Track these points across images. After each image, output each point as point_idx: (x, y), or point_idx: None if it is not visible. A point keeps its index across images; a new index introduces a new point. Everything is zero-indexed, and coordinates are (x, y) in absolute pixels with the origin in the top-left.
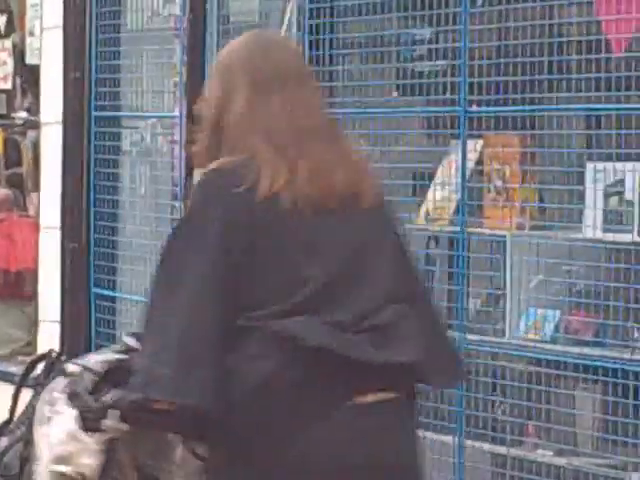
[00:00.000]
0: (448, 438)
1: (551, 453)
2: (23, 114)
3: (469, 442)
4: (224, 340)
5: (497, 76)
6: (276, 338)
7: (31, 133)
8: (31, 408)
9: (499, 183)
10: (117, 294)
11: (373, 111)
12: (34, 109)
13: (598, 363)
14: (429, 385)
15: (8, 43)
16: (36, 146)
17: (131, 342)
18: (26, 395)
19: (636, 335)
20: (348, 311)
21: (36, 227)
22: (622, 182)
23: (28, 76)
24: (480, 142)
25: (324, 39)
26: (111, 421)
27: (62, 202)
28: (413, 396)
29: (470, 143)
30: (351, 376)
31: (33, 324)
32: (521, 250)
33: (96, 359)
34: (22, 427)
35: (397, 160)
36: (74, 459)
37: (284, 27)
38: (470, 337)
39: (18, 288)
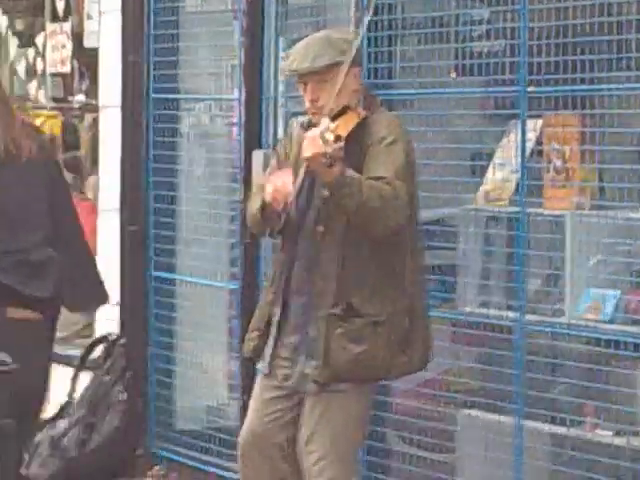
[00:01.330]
0: (508, 419)
1: (610, 433)
2: (81, 97)
3: (528, 423)
4: None
5: (556, 56)
6: None
7: (89, 116)
8: (90, 391)
9: (559, 163)
10: (176, 276)
11: (432, 92)
12: (92, 92)
13: None
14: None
15: (67, 26)
16: (94, 129)
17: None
18: (85, 378)
19: None
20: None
21: (94, 210)
22: None
23: (86, 59)
24: (539, 122)
25: (382, 20)
26: None
27: (121, 185)
28: (53, 318)
29: (529, 123)
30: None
31: None
32: (580, 230)
33: None
34: (81, 410)
35: (456, 141)
36: None
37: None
38: (529, 317)
39: None
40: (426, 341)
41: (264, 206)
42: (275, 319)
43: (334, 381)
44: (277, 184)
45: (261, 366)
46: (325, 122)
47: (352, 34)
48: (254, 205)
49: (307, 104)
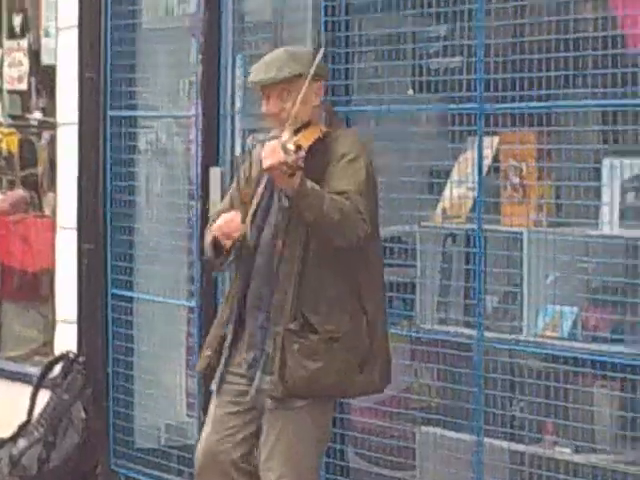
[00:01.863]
0: (467, 436)
1: (569, 450)
2: (38, 115)
3: (488, 440)
4: None
5: (513, 73)
6: None
7: (46, 134)
8: (50, 409)
9: (516, 180)
10: (134, 294)
11: (389, 109)
12: (49, 110)
13: (616, 360)
14: None
15: (24, 43)
16: (52, 147)
17: None
18: (44, 396)
19: None
20: None
21: (52, 228)
22: (638, 178)
23: (43, 77)
24: (496, 139)
25: (340, 37)
26: None
27: (78, 202)
28: None
29: (486, 140)
30: None
31: (50, 325)
32: (538, 247)
33: None
34: (40, 428)
35: (413, 158)
36: None
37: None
38: (487, 335)
39: (35, 289)
40: (384, 362)
41: (215, 242)
42: (229, 336)
43: (290, 397)
44: (221, 223)
45: (213, 385)
46: (286, 135)
47: (314, 51)
48: (207, 240)
49: (268, 118)
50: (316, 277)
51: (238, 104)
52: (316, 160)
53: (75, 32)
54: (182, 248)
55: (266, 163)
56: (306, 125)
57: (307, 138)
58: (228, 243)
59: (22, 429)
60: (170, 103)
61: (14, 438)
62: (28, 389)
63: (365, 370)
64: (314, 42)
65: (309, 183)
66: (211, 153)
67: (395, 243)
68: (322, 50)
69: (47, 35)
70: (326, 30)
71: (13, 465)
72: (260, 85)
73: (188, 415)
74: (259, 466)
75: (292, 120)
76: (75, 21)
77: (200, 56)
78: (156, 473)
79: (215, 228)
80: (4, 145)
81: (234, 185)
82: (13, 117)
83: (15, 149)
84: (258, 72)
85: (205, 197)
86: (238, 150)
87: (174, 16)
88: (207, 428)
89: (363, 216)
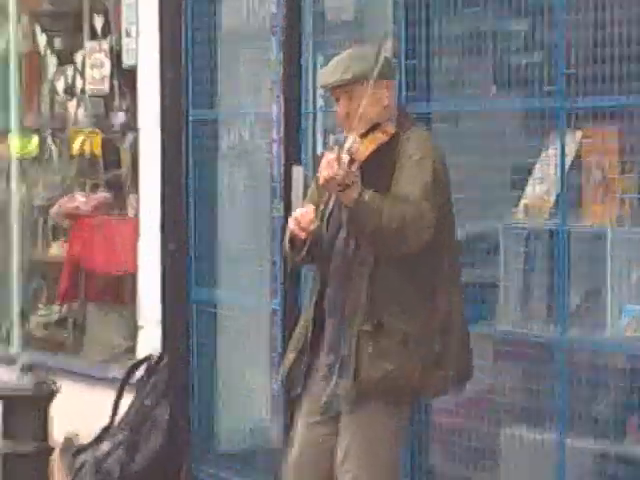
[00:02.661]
0: (550, 436)
1: None
2: (121, 116)
3: (571, 440)
4: None
5: (595, 68)
6: None
7: (129, 135)
8: (133, 412)
9: (599, 176)
10: (217, 295)
11: (471, 106)
12: (132, 111)
13: None
14: None
15: (105, 44)
16: (135, 148)
17: None
18: (128, 399)
19: None
20: None
21: (135, 229)
22: None
23: (125, 78)
24: (579, 135)
25: (420, 34)
26: None
27: (162, 204)
28: None
29: (569, 136)
30: None
31: (134, 328)
32: (621, 244)
33: None
34: (124, 432)
35: (495, 155)
36: None
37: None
38: (571, 333)
39: (119, 291)
40: (463, 359)
41: (291, 238)
42: (308, 340)
43: (365, 398)
44: (297, 215)
45: (296, 387)
46: (350, 140)
47: (389, 55)
48: (286, 236)
49: (339, 120)
50: (388, 278)
51: (319, 103)
52: (384, 162)
53: (156, 33)
54: (265, 248)
55: (321, 178)
56: (375, 127)
57: (369, 145)
58: (302, 234)
59: (105, 433)
60: (252, 102)
61: (97, 442)
62: (112, 392)
63: (440, 370)
64: (395, 40)
65: (368, 195)
66: (293, 152)
67: (478, 241)
68: (384, 48)
69: (128, 36)
70: (407, 27)
71: (96, 469)
72: (329, 88)
73: (272, 419)
74: (336, 468)
75: (356, 124)
76: (156, 22)
77: (281, 55)
78: (239, 477)
79: (290, 220)
80: (87, 147)
81: (313, 185)
82: (96, 118)
83: (98, 151)
84: (325, 75)
85: (287, 196)
86: (320, 149)
87: (255, 16)
88: (298, 434)
89: (427, 220)
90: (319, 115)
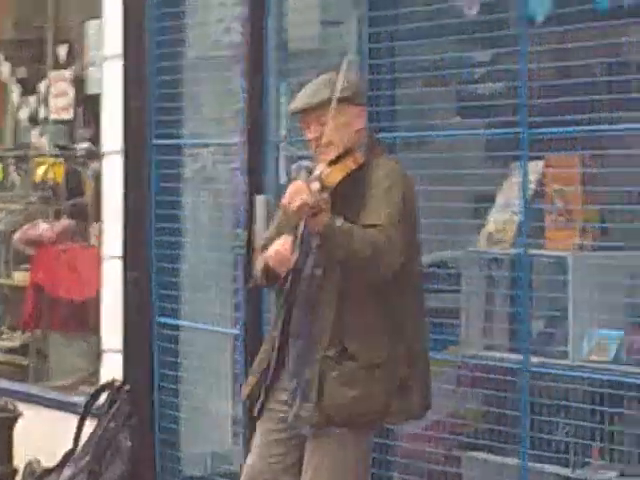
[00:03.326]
0: (512, 460)
1: (616, 474)
2: (84, 144)
3: (534, 464)
4: None
5: (557, 97)
6: None
7: (93, 163)
8: (96, 438)
9: (560, 204)
10: (180, 322)
11: (434, 134)
12: (95, 139)
13: None
14: None
15: (69, 73)
16: (98, 176)
17: None
18: (90, 425)
19: None
20: None
21: (98, 257)
22: None
23: (89, 106)
24: (541, 163)
25: (384, 63)
26: None
27: (124, 232)
28: None
29: (531, 165)
30: None
31: (96, 354)
32: (583, 271)
33: None
34: (86, 457)
35: (458, 183)
36: None
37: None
38: (533, 359)
39: (81, 318)
40: (425, 388)
41: (267, 268)
42: (272, 363)
43: (328, 424)
44: (278, 249)
45: (255, 409)
46: (320, 167)
47: (359, 81)
48: (258, 266)
49: (311, 145)
50: (355, 306)
51: (283, 131)
52: (354, 189)
53: (120, 61)
54: (227, 276)
55: (292, 206)
56: (346, 153)
57: (339, 173)
58: (284, 271)
59: (68, 458)
60: (215, 131)
61: (60, 467)
62: (74, 418)
63: (404, 396)
64: (358, 70)
65: (338, 221)
66: (256, 181)
67: (440, 268)
68: (344, 67)
69: (92, 65)
70: (370, 57)
71: None
72: (298, 114)
73: (234, 443)
74: None
75: (325, 149)
76: (120, 50)
77: (244, 83)
78: None
79: (270, 253)
80: (50, 175)
81: (280, 213)
82: (59, 147)
83: (61, 179)
84: (295, 101)
85: (250, 225)
86: (283, 178)
87: (219, 45)
88: (252, 455)
89: (396, 249)
90: (282, 144)
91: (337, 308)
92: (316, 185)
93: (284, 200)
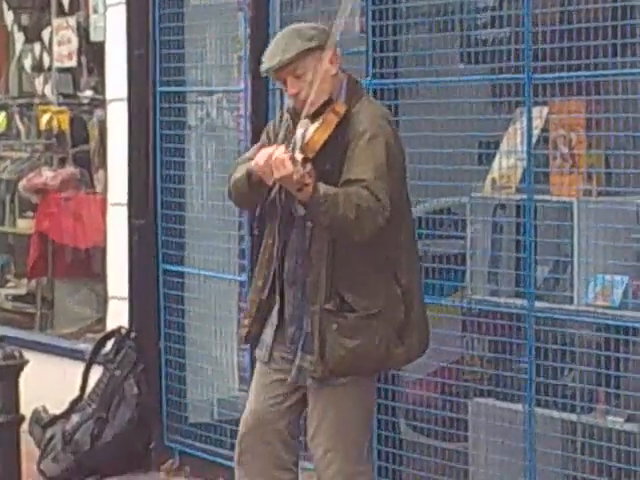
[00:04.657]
0: (518, 406)
1: (622, 419)
2: (89, 92)
3: (539, 410)
4: None
5: (561, 42)
6: None
7: (97, 111)
8: (102, 385)
9: (565, 150)
10: (185, 269)
11: (438, 80)
12: (100, 87)
13: None
14: None
15: (72, 21)
16: (102, 124)
17: None
18: (96, 372)
19: None
20: None
21: (104, 204)
22: None
23: (93, 54)
24: (545, 109)
25: (387, 9)
26: None
27: (129, 179)
28: None
29: (535, 110)
30: None
31: (102, 302)
32: (588, 216)
33: None
34: (93, 404)
35: (462, 129)
36: None
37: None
38: (538, 305)
39: (87, 266)
40: (423, 329)
41: (250, 174)
42: (275, 307)
43: (331, 376)
44: (272, 152)
45: (260, 354)
46: (304, 124)
47: (325, 25)
48: (238, 174)
49: (290, 100)
50: (347, 255)
51: None
52: (336, 141)
53: (123, 9)
54: (232, 222)
55: (275, 176)
56: (327, 103)
57: (323, 132)
58: (269, 181)
59: (74, 405)
60: (219, 78)
61: (67, 414)
62: (80, 366)
63: (402, 341)
64: (362, 14)
65: (322, 189)
66: (260, 128)
67: (445, 214)
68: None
69: (95, 12)
70: (374, 2)
71: (66, 441)
72: (273, 72)
73: (240, 389)
74: (307, 442)
75: (308, 108)
76: None
77: (248, 31)
78: (209, 447)
79: (261, 157)
80: (55, 123)
81: (258, 145)
82: (64, 95)
83: (66, 127)
84: (267, 60)
85: None
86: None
87: None
88: (252, 395)
89: (382, 203)
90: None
91: (330, 258)
92: (299, 157)
93: (260, 159)
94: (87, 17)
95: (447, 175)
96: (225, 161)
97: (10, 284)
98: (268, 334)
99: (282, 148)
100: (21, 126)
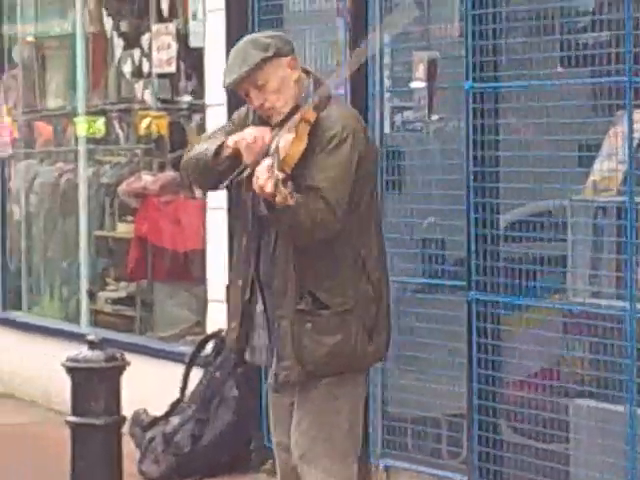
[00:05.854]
0: (619, 407)
1: None
2: (187, 98)
3: None
4: None
5: None
6: None
7: (196, 116)
8: (202, 387)
9: None
10: None
11: (537, 83)
12: (198, 92)
13: None
14: None
15: (172, 27)
16: (201, 129)
17: None
18: (196, 374)
19: None
20: None
21: (203, 208)
22: None
23: (192, 60)
24: None
25: (487, 13)
26: None
27: None
28: None
29: (636, 113)
30: None
31: (202, 304)
32: None
33: None
34: (193, 406)
35: (563, 132)
36: None
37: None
38: (639, 306)
39: (186, 269)
40: (388, 329)
41: (219, 149)
42: (258, 308)
43: (308, 378)
44: (258, 135)
45: (255, 359)
46: (282, 141)
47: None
48: (205, 146)
49: (259, 111)
50: (316, 254)
51: (387, 82)
52: (307, 146)
53: (222, 15)
54: None
55: (257, 191)
56: (294, 109)
57: (299, 142)
58: (250, 160)
59: (175, 407)
60: None
61: (167, 416)
62: (180, 368)
63: (374, 339)
64: (461, 19)
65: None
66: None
67: (546, 217)
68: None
69: (194, 18)
70: (473, 7)
71: (167, 443)
72: (234, 86)
73: None
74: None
75: (271, 112)
76: (222, 4)
77: (347, 35)
78: None
79: (251, 133)
80: (154, 128)
81: (226, 127)
82: (163, 100)
83: (165, 131)
84: (226, 74)
85: None
86: (387, 128)
87: None
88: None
89: (336, 213)
90: (386, 95)
91: (297, 261)
92: (280, 175)
93: (249, 136)
94: (186, 23)
95: (547, 178)
96: None
97: (110, 287)
98: (262, 336)
99: (268, 161)
100: (120, 131)
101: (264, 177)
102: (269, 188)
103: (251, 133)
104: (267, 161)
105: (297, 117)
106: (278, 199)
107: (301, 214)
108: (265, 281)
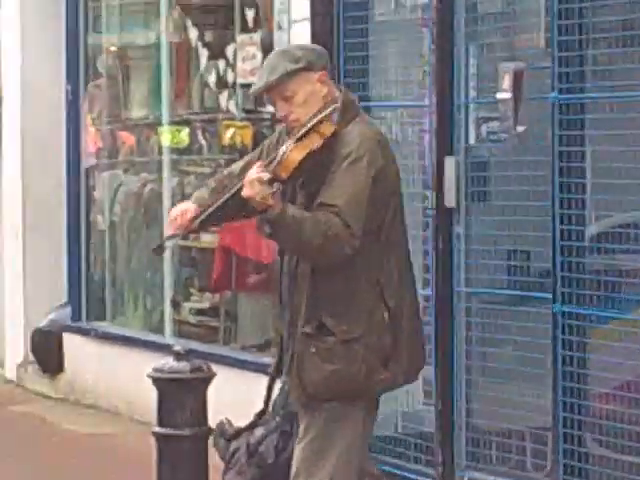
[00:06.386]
0: None
1: None
2: (271, 108)
3: None
4: None
5: None
6: None
7: (279, 127)
8: (286, 398)
9: None
10: None
11: (624, 95)
12: None
13: None
14: None
15: (257, 37)
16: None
17: None
18: (279, 385)
19: None
20: None
21: None
22: None
23: None
24: None
25: (573, 24)
26: None
27: None
28: None
29: None
30: None
31: None
32: None
33: None
34: (277, 417)
35: None
36: None
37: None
38: None
39: (269, 280)
40: (413, 355)
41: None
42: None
43: (310, 400)
44: (178, 211)
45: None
46: (282, 149)
47: (313, 45)
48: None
49: (283, 122)
50: (331, 277)
51: (472, 93)
52: (322, 160)
53: (308, 25)
54: (417, 237)
55: (243, 194)
56: (315, 125)
57: (301, 150)
58: (177, 230)
59: (259, 418)
60: (402, 93)
61: (251, 427)
62: (264, 379)
63: (388, 366)
64: (547, 30)
65: (290, 211)
66: (445, 142)
67: (632, 228)
68: None
69: (279, 29)
70: (559, 18)
71: (250, 454)
72: (262, 93)
73: (425, 403)
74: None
75: (294, 124)
76: (307, 14)
77: (433, 46)
78: (393, 460)
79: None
80: (238, 138)
81: (255, 155)
82: (247, 111)
83: (248, 142)
84: (256, 82)
85: (439, 186)
86: (472, 139)
87: (406, 7)
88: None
89: (352, 231)
90: (471, 106)
91: (312, 283)
92: (267, 176)
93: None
94: (271, 33)
95: (633, 189)
96: (408, 176)
97: (194, 298)
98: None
99: (259, 164)
100: (203, 141)
101: (249, 179)
102: (254, 186)
103: (177, 208)
104: (257, 163)
105: (309, 125)
106: (257, 198)
107: (306, 231)
108: (286, 297)
